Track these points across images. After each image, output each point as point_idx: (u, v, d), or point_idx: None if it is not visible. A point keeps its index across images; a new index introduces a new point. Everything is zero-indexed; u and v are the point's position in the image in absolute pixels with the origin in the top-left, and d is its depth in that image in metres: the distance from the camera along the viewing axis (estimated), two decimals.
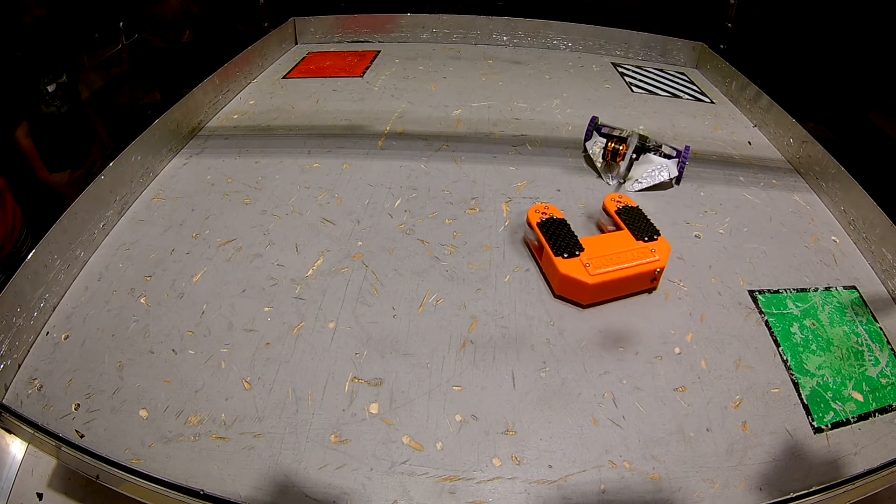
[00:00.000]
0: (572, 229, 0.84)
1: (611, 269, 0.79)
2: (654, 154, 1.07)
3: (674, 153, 1.08)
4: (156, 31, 2.39)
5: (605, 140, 1.09)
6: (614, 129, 1.12)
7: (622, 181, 1.07)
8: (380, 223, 0.95)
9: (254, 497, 0.58)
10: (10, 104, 1.77)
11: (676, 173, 1.05)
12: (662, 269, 0.81)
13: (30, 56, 1.80)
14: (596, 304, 0.81)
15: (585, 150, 1.14)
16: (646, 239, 0.83)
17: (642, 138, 1.08)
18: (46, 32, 1.84)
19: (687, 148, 1.05)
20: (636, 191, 1.06)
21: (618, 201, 0.91)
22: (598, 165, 1.10)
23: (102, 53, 2.25)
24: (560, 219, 0.86)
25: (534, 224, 0.86)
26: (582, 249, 0.81)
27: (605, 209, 0.92)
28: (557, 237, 0.83)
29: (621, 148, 1.05)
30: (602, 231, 0.94)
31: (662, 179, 1.05)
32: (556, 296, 0.82)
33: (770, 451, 0.64)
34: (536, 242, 0.86)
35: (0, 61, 1.73)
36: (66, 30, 1.94)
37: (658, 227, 0.86)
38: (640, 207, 0.90)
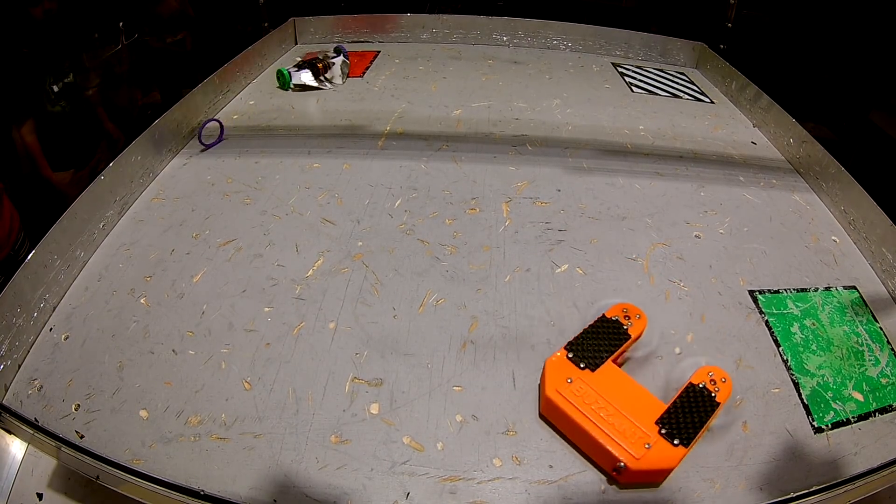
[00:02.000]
0: (617, 348, 0.68)
1: (577, 407, 0.62)
2: (332, 58, 1.48)
3: (339, 52, 1.50)
4: (153, 31, 2.39)
5: (309, 69, 1.43)
6: (302, 62, 1.46)
7: (330, 81, 1.45)
8: (380, 223, 0.95)
9: (254, 497, 0.58)
10: (14, 103, 1.76)
11: (344, 57, 1.48)
12: (626, 469, 0.58)
13: (36, 55, 1.79)
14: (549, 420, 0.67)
15: (293, 86, 1.42)
16: (663, 432, 0.60)
17: (320, 60, 1.46)
18: (53, 31, 1.84)
19: (342, 46, 1.54)
20: (341, 83, 1.45)
21: (710, 374, 0.66)
22: (315, 84, 1.43)
23: (102, 53, 2.25)
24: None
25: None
26: (594, 368, 0.65)
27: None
28: (591, 341, 0.68)
29: (320, 65, 1.43)
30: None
31: (341, 64, 1.47)
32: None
33: (770, 451, 0.64)
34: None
35: (7, 60, 1.72)
36: (72, 29, 1.94)
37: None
38: (716, 400, 0.64)
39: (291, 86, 1.41)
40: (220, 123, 1.19)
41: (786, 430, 0.67)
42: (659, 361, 0.73)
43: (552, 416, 0.65)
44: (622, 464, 0.58)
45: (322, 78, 1.43)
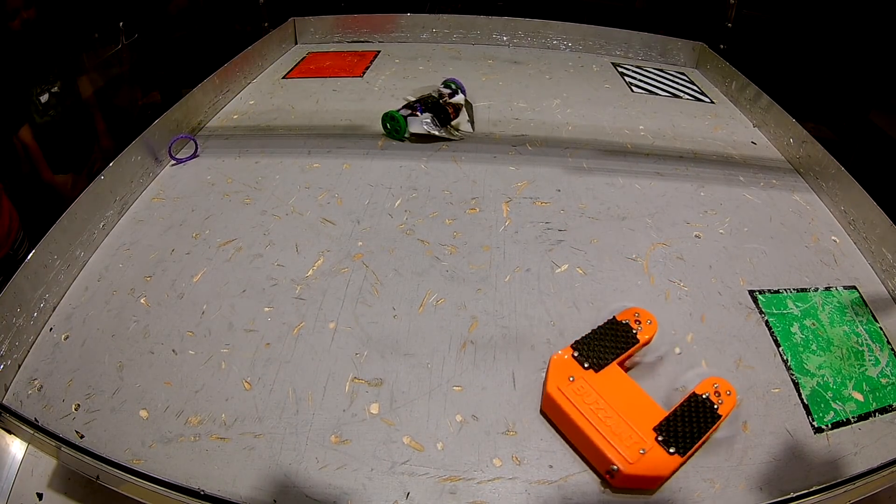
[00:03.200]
0: (624, 351, 0.68)
1: (577, 406, 0.62)
2: (452, 98, 1.27)
3: (453, 88, 1.30)
4: (163, 29, 2.39)
5: (430, 114, 1.17)
6: (416, 102, 1.22)
7: (457, 129, 1.22)
8: (380, 223, 0.95)
9: (254, 497, 0.58)
10: (3, 115, 1.75)
11: (465, 95, 1.29)
12: (619, 472, 0.58)
13: (20, 67, 1.76)
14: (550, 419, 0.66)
15: (409, 135, 1.18)
16: (660, 439, 0.60)
17: (436, 94, 1.26)
18: (36, 41, 1.81)
19: (457, 80, 1.32)
20: (467, 132, 1.21)
21: (714, 385, 0.65)
22: (442, 133, 1.17)
23: (102, 53, 2.25)
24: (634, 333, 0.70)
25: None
26: (598, 369, 0.66)
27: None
28: (599, 342, 0.69)
29: (450, 109, 1.22)
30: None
31: (465, 105, 1.28)
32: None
33: (770, 451, 0.64)
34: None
35: None
36: (57, 36, 1.92)
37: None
38: (718, 413, 0.63)
39: (408, 134, 1.17)
40: (195, 140, 1.13)
41: (786, 430, 0.67)
42: (662, 367, 0.73)
43: (551, 414, 0.65)
44: (615, 467, 0.58)
45: (450, 126, 1.19)
